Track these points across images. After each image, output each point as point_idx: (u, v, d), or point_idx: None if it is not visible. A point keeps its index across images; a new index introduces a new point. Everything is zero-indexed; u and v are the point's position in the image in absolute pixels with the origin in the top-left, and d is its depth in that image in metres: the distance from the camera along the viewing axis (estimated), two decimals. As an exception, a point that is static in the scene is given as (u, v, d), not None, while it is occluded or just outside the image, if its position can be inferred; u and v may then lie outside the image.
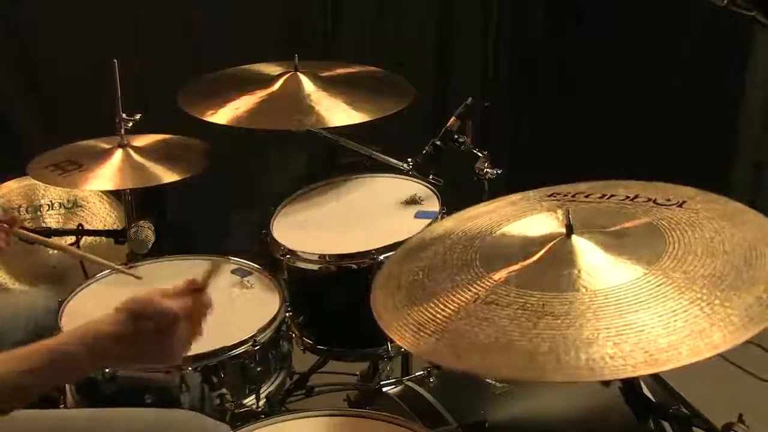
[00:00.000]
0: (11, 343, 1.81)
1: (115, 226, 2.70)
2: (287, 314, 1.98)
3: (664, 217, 1.33)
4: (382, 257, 1.96)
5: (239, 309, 1.95)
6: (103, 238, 2.51)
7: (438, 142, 2.18)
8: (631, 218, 1.34)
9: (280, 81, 2.32)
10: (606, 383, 1.25)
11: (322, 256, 2.03)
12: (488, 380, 1.65)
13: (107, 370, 1.74)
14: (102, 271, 2.05)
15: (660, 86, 3.29)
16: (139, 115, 2.29)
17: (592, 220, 1.34)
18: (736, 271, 1.17)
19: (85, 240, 2.33)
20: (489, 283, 1.25)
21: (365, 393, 2.08)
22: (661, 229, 1.29)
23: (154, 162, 2.23)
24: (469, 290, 1.25)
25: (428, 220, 2.09)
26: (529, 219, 1.41)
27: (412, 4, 3.31)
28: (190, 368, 1.77)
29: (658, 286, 1.16)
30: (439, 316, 1.22)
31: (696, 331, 1.08)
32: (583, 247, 1.26)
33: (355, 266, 2.00)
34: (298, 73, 2.33)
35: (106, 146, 2.29)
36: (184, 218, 3.00)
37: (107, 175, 2.19)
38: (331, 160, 2.85)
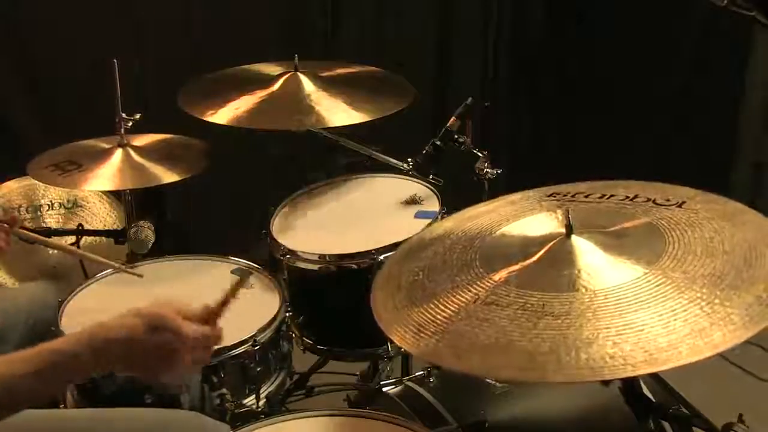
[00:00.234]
0: (13, 341, 1.83)
1: (115, 226, 2.70)
2: (287, 314, 1.98)
3: (663, 217, 1.33)
4: (382, 257, 1.96)
5: (239, 309, 1.94)
6: (103, 238, 2.51)
7: (438, 142, 2.18)
8: (631, 218, 1.34)
9: (280, 81, 2.32)
10: (606, 383, 1.25)
11: (322, 256, 2.03)
12: (488, 380, 1.65)
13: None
14: (102, 271, 2.05)
15: (660, 86, 3.29)
16: (139, 115, 2.28)
17: (592, 220, 1.34)
18: (736, 270, 1.17)
19: (85, 240, 2.33)
20: (489, 284, 1.25)
21: (365, 393, 2.08)
22: (661, 229, 1.29)
23: (154, 162, 2.23)
24: (469, 291, 1.25)
25: (428, 220, 2.09)
26: (529, 219, 1.41)
27: (412, 4, 3.31)
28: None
29: (657, 285, 1.16)
30: (439, 316, 1.22)
31: (696, 330, 1.08)
32: (583, 247, 1.26)
33: (355, 266, 2.00)
34: (298, 73, 2.34)
35: (106, 146, 2.29)
36: (184, 218, 3.00)
37: (107, 175, 2.19)
38: (331, 160, 2.85)
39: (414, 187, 2.27)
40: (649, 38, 3.23)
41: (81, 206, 2.74)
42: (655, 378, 1.65)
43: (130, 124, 2.27)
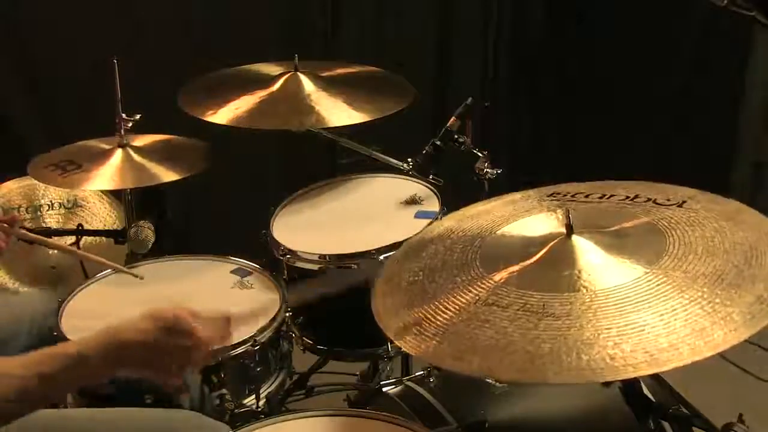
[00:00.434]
0: (17, 348, 1.82)
1: (115, 226, 2.70)
2: (287, 314, 1.98)
3: (664, 216, 1.33)
4: (382, 257, 1.96)
5: (239, 309, 1.94)
6: (103, 238, 2.50)
7: (438, 142, 2.18)
8: (631, 218, 1.34)
9: (280, 81, 2.32)
10: (606, 383, 1.25)
11: (322, 256, 2.03)
12: (488, 380, 1.65)
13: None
14: (102, 271, 2.05)
15: (660, 86, 3.29)
16: (139, 115, 2.28)
17: (592, 220, 1.34)
18: (737, 270, 1.17)
19: (85, 240, 2.32)
20: (489, 284, 1.25)
21: (365, 393, 2.08)
22: (661, 229, 1.29)
23: (154, 162, 2.23)
24: (470, 291, 1.25)
25: (428, 220, 2.09)
26: (529, 219, 1.41)
27: (412, 4, 3.31)
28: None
29: (658, 285, 1.16)
30: (439, 317, 1.22)
31: (697, 330, 1.08)
32: (584, 247, 1.26)
33: (355, 266, 2.00)
34: (298, 73, 2.33)
35: (106, 146, 2.28)
36: (184, 218, 3.00)
37: (107, 175, 2.19)
38: (331, 160, 2.85)
39: (414, 187, 2.27)
40: (649, 38, 3.23)
41: (81, 206, 2.74)
42: (655, 378, 1.65)
43: (130, 124, 2.27)
